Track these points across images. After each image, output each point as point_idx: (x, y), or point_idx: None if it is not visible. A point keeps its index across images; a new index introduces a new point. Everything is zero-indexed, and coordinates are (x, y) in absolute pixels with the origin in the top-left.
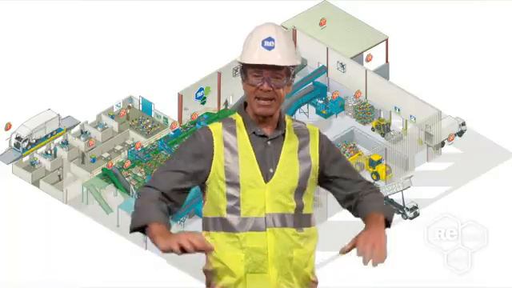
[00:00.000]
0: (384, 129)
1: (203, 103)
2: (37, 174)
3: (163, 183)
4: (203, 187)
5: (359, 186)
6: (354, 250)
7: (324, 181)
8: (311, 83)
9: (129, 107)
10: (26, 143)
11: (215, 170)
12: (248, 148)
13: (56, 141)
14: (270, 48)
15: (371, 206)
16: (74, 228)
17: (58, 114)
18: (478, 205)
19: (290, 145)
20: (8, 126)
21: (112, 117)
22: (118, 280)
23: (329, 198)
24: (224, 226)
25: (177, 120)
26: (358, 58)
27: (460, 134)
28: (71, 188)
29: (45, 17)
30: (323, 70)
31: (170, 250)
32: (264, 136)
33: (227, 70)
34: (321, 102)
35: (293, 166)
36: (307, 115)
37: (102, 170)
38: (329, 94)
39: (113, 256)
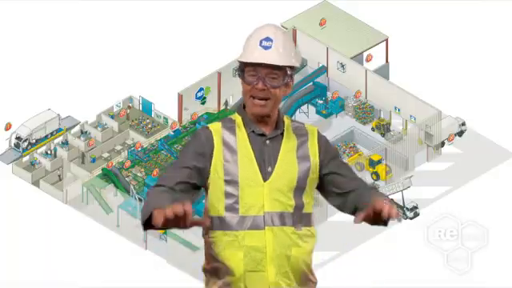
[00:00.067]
0: (384, 129)
1: (203, 103)
2: (37, 173)
3: (169, 180)
4: (206, 187)
5: (356, 184)
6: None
7: (320, 177)
8: (311, 83)
9: (129, 107)
10: (25, 143)
11: (214, 168)
12: (247, 147)
13: (56, 141)
14: (267, 48)
15: (371, 193)
16: (73, 228)
17: (58, 114)
18: (477, 205)
19: (288, 144)
20: (8, 126)
21: (112, 117)
22: (118, 280)
23: None
24: (223, 224)
25: (177, 120)
26: (358, 58)
27: (460, 134)
28: (71, 188)
29: (45, 17)
30: (323, 69)
31: (164, 221)
32: (263, 135)
33: (227, 69)
34: (321, 101)
35: (291, 165)
36: (307, 115)
37: (102, 169)
38: (329, 94)
39: (113, 256)
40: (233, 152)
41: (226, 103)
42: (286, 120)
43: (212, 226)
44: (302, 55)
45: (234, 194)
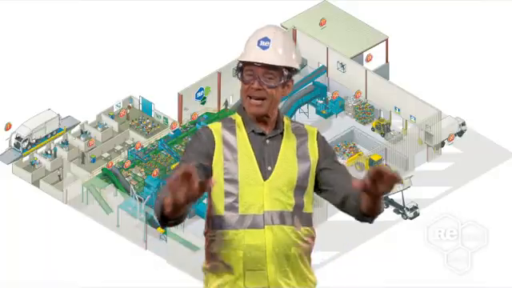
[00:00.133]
0: (384, 129)
1: (203, 103)
2: (37, 173)
3: None
4: None
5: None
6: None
7: (317, 174)
8: (311, 83)
9: (129, 107)
10: (26, 143)
11: (215, 167)
12: (247, 146)
13: (56, 141)
14: (264, 48)
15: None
16: (73, 228)
17: (58, 114)
18: (478, 205)
19: (288, 143)
20: (8, 126)
21: (112, 117)
22: (118, 280)
23: None
24: (222, 223)
25: (177, 120)
26: (358, 58)
27: (460, 134)
28: (71, 188)
29: (45, 17)
30: (323, 69)
31: (172, 194)
32: (263, 134)
33: (227, 69)
34: (321, 101)
35: (291, 164)
36: (307, 115)
37: (102, 169)
38: (329, 94)
39: (113, 256)
40: (233, 151)
41: (226, 103)
42: (286, 120)
43: (212, 225)
44: (302, 55)
45: (234, 193)
